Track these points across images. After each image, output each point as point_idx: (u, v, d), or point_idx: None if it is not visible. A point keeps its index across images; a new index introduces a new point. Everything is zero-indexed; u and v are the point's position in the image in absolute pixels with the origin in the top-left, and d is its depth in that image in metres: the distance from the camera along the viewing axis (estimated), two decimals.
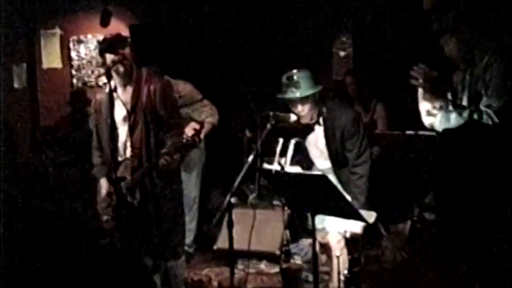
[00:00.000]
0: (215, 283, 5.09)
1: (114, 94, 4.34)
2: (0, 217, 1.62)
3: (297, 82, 4.44)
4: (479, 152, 1.45)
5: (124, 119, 4.38)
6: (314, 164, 4.77)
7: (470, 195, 1.46)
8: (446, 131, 3.49)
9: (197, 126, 5.79)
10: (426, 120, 3.83)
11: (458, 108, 3.64)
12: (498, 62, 3.58)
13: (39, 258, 1.62)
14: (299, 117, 4.51)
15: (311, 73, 4.58)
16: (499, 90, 3.51)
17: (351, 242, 4.51)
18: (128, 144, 4.38)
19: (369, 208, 4.34)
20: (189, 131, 5.52)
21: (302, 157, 4.78)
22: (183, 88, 5.77)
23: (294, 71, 4.53)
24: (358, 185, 4.46)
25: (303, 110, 4.49)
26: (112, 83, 4.31)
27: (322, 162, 4.70)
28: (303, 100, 4.46)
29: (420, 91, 3.82)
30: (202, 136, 5.76)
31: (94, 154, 4.57)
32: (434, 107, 3.75)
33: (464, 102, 3.71)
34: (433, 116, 3.73)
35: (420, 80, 3.61)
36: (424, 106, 3.81)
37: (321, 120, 4.57)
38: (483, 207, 1.45)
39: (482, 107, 3.49)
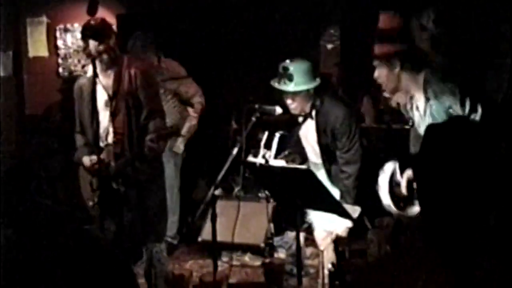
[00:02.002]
0: (196, 275, 5.07)
1: (96, 79, 4.32)
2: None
3: (290, 75, 4.32)
4: (465, 148, 1.44)
5: (106, 104, 4.37)
6: (307, 159, 4.67)
7: (455, 191, 1.46)
8: (431, 126, 3.43)
9: (195, 121, 5.97)
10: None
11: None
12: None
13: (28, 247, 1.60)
14: (288, 108, 4.43)
15: (311, 65, 4.44)
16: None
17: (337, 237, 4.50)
18: (110, 129, 4.36)
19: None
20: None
21: (296, 149, 4.70)
22: (169, 63, 5.94)
23: (291, 62, 4.37)
24: (345, 184, 4.36)
25: (293, 103, 4.42)
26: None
27: (314, 158, 4.61)
28: (294, 93, 4.38)
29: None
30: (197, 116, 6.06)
31: (76, 138, 4.56)
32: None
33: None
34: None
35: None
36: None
37: (313, 113, 4.45)
38: (468, 205, 1.45)
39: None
